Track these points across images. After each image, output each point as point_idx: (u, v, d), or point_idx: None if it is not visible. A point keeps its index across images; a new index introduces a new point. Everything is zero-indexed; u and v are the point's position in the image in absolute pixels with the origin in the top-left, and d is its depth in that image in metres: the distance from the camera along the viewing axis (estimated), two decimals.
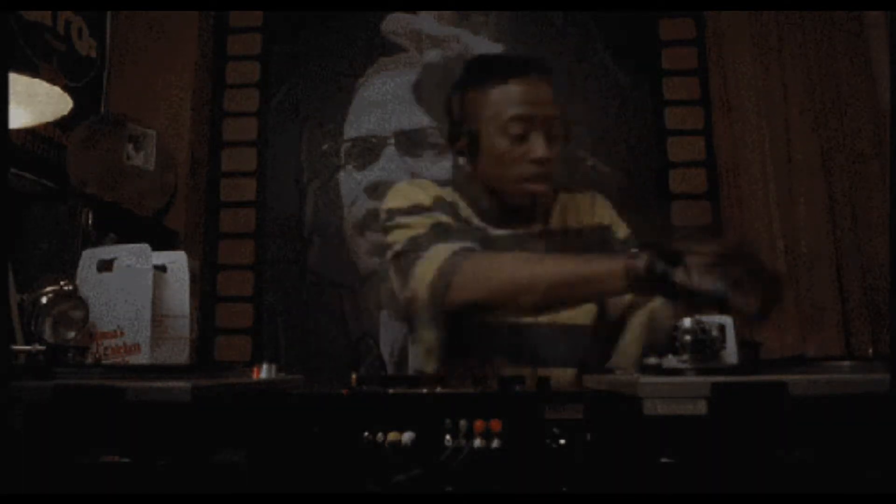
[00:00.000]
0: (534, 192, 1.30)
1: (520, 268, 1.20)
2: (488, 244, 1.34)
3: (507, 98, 1.30)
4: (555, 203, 1.41)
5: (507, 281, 1.19)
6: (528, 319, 1.30)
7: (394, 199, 1.39)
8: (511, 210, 1.36)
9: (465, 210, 1.37)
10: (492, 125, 1.30)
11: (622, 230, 1.44)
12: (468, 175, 1.39)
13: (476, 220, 1.37)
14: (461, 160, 1.39)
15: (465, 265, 1.20)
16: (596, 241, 1.40)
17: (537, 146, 1.27)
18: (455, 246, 1.23)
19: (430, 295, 1.22)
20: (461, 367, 1.30)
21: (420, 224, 1.30)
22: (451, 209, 1.35)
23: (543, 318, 1.29)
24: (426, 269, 1.23)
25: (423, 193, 1.37)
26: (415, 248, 1.27)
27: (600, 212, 1.44)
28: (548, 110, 1.30)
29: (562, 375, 1.25)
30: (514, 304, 1.21)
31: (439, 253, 1.23)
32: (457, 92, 1.38)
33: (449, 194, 1.38)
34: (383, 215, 1.38)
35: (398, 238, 1.31)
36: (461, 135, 1.33)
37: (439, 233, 1.27)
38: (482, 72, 1.38)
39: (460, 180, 1.36)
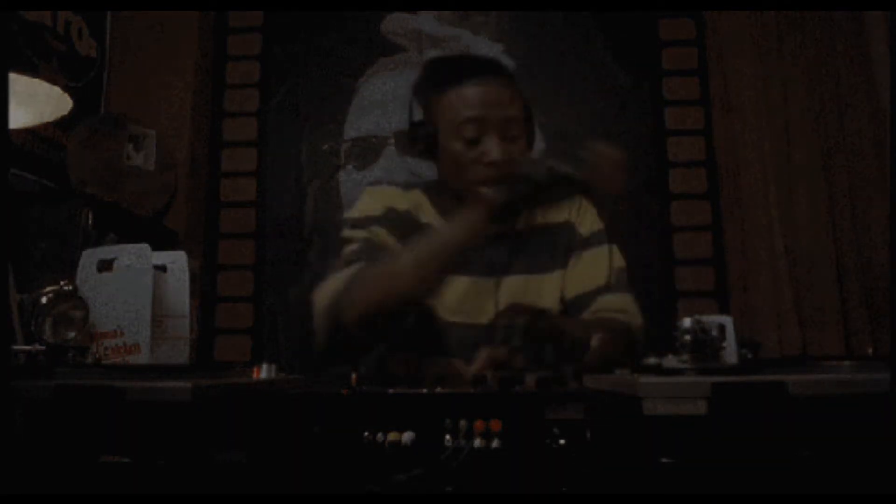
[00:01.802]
0: (490, 198, 1.28)
1: (398, 261, 1.22)
2: None
3: (460, 100, 1.28)
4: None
5: (388, 280, 1.19)
6: (476, 321, 1.30)
7: (353, 209, 1.40)
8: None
9: (430, 213, 1.36)
10: (447, 128, 1.28)
11: (588, 225, 1.38)
12: (435, 177, 1.38)
13: (440, 222, 1.35)
14: (420, 163, 1.37)
15: (357, 283, 1.21)
16: (560, 238, 1.37)
17: (491, 149, 1.25)
18: (354, 268, 1.24)
19: (327, 319, 1.24)
20: (399, 367, 1.29)
21: (357, 238, 1.31)
22: (404, 216, 1.34)
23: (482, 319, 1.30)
24: (324, 290, 1.25)
25: (377, 202, 1.36)
26: (344, 265, 1.28)
27: (567, 206, 1.40)
28: (505, 112, 1.28)
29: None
30: (406, 297, 1.20)
31: (340, 274, 1.24)
32: (416, 92, 1.36)
33: (414, 197, 1.36)
34: (343, 223, 1.38)
35: (343, 252, 1.32)
36: (419, 137, 1.31)
37: (364, 250, 1.27)
38: (438, 73, 1.36)
39: (430, 183, 1.34)
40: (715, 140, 2.45)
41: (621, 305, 1.32)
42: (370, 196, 1.42)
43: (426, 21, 2.57)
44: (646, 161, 2.46)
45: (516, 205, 1.16)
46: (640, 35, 2.54)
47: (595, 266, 1.34)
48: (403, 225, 1.32)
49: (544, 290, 1.33)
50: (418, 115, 1.35)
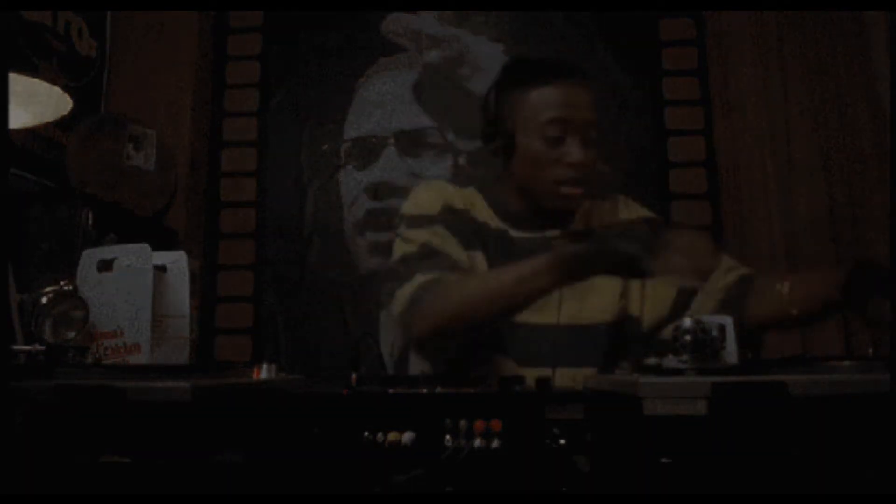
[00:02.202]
0: (566, 195, 1.31)
1: (469, 288, 1.24)
2: (507, 246, 1.34)
3: (545, 101, 1.30)
4: (578, 207, 1.41)
5: (456, 306, 1.22)
6: (541, 321, 1.30)
7: (408, 205, 1.40)
8: (538, 213, 1.35)
9: (485, 211, 1.37)
10: (528, 127, 1.30)
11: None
12: (498, 175, 1.39)
13: (496, 222, 1.36)
14: (497, 161, 1.39)
15: (426, 298, 1.23)
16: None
17: (574, 150, 1.28)
18: (422, 278, 1.25)
19: (401, 324, 1.26)
20: (465, 370, 1.30)
21: (416, 240, 1.31)
22: (461, 215, 1.35)
23: (563, 320, 1.29)
24: (400, 299, 1.27)
25: (434, 201, 1.37)
26: (404, 266, 1.29)
27: (627, 210, 1.43)
28: (585, 115, 1.30)
29: (577, 376, 1.25)
30: (474, 324, 1.22)
31: (413, 283, 1.26)
32: (494, 92, 1.38)
33: (469, 196, 1.37)
34: (398, 219, 1.39)
35: (397, 251, 1.33)
36: (497, 135, 1.33)
37: (424, 255, 1.29)
38: (521, 73, 1.37)
39: (487, 180, 1.35)
40: (715, 140, 2.44)
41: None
42: (427, 191, 1.43)
43: (426, 21, 2.57)
44: (646, 161, 2.46)
45: (591, 263, 1.15)
46: (640, 35, 2.54)
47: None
48: (461, 223, 1.33)
49: (606, 291, 1.34)
50: (494, 114, 1.36)
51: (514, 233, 1.37)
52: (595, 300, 1.33)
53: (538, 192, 1.33)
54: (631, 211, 1.46)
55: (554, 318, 1.29)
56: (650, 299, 1.36)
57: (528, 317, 1.28)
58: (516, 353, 1.30)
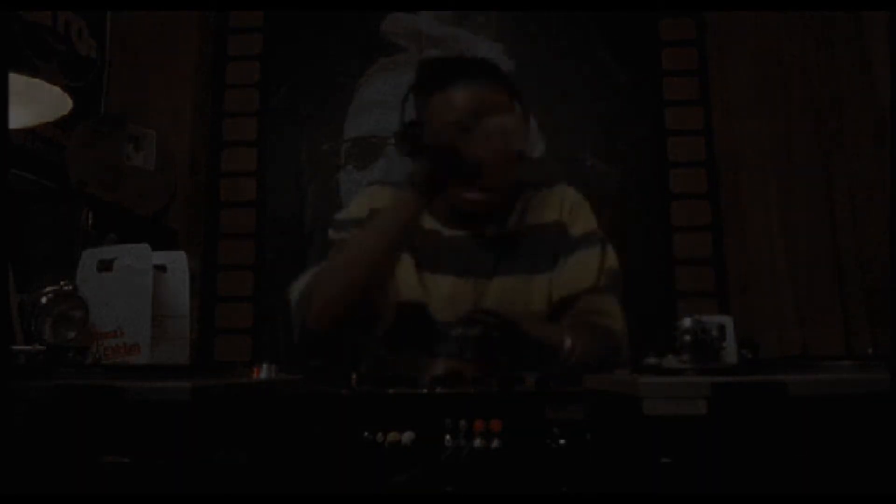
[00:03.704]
0: (469, 199, 1.28)
1: (339, 261, 1.25)
2: (440, 245, 1.33)
3: (450, 102, 1.27)
4: (517, 201, 1.37)
5: (336, 281, 1.23)
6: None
7: (344, 209, 1.41)
8: (465, 211, 1.33)
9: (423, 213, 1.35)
10: (434, 129, 1.28)
11: (580, 225, 1.35)
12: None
13: (430, 222, 1.35)
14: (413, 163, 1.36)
15: (316, 284, 1.25)
16: (550, 239, 1.35)
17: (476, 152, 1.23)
18: (313, 269, 1.27)
19: (296, 320, 1.26)
20: (401, 368, 1.30)
21: (337, 241, 1.33)
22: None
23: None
24: (293, 291, 1.30)
25: (364, 204, 1.37)
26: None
27: (559, 206, 1.37)
28: (496, 114, 1.26)
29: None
30: (358, 286, 1.21)
31: (301, 278, 1.28)
32: (407, 94, 1.35)
33: (404, 196, 1.35)
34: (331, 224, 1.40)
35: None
36: (408, 137, 1.30)
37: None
38: (430, 75, 1.35)
39: (420, 182, 1.32)
40: (715, 140, 2.44)
41: (602, 307, 1.30)
42: (361, 197, 1.42)
43: (426, 21, 2.57)
44: (646, 161, 2.46)
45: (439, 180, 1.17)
46: (640, 35, 2.54)
47: (584, 268, 1.32)
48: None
49: (532, 291, 1.32)
50: (410, 115, 1.34)
51: (446, 232, 1.36)
52: (520, 299, 1.32)
53: (448, 195, 1.29)
54: (563, 205, 1.39)
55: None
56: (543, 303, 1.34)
57: (453, 317, 1.26)
58: (448, 352, 1.28)
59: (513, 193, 1.37)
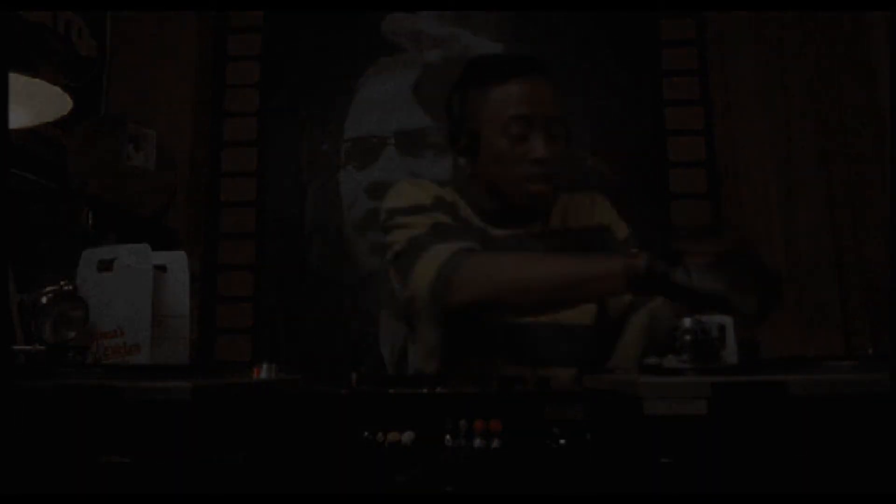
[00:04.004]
0: (534, 192, 1.30)
1: (521, 267, 1.19)
2: (488, 244, 1.33)
3: (506, 98, 1.29)
4: (555, 204, 1.40)
5: (507, 280, 1.18)
6: (528, 319, 1.29)
7: (394, 199, 1.38)
8: (511, 210, 1.35)
9: (465, 210, 1.37)
10: (492, 125, 1.29)
11: (622, 231, 1.42)
12: (469, 175, 1.39)
13: (476, 220, 1.36)
14: (461, 160, 1.38)
15: (466, 265, 1.19)
16: (596, 241, 1.38)
17: (537, 146, 1.26)
18: (455, 246, 1.22)
19: (430, 294, 1.20)
20: (462, 367, 1.30)
21: (420, 223, 1.29)
22: (451, 209, 1.34)
23: (544, 318, 1.29)
24: (426, 268, 1.22)
25: (423, 193, 1.36)
26: (415, 247, 1.26)
27: (600, 212, 1.42)
28: (548, 110, 1.29)
29: (562, 375, 1.24)
30: (516, 304, 1.21)
31: (440, 252, 1.21)
32: (457, 91, 1.37)
33: (449, 194, 1.37)
34: (383, 215, 1.37)
35: (398, 238, 1.30)
36: (461, 135, 1.32)
37: (439, 232, 1.26)
38: (482, 71, 1.37)
39: (461, 180, 1.34)
40: (715, 140, 2.44)
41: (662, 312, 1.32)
42: (414, 187, 1.42)
43: (426, 21, 2.57)
44: (646, 161, 2.46)
45: (664, 273, 1.03)
46: (640, 35, 2.54)
47: None
48: (453, 215, 1.32)
49: None
50: (458, 113, 1.35)
51: (492, 231, 1.37)
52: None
53: (504, 191, 1.31)
54: (603, 213, 1.44)
55: (547, 317, 1.29)
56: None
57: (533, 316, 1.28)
58: (516, 353, 1.30)
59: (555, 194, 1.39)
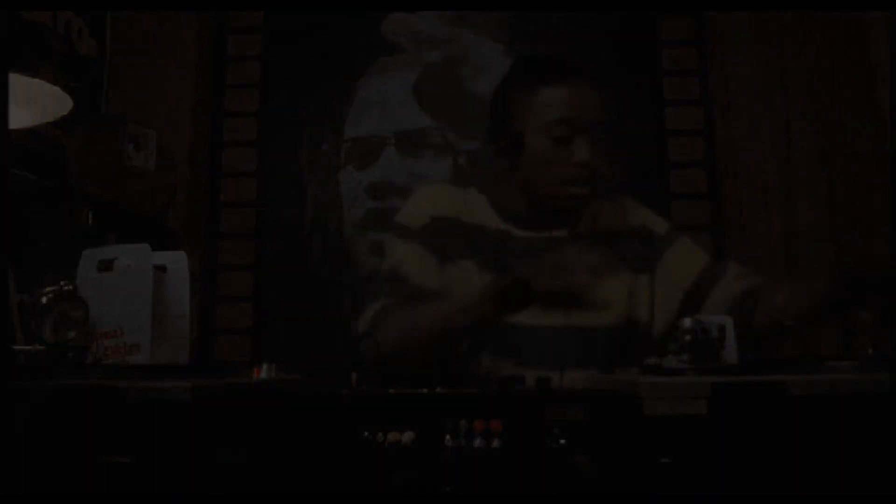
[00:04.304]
0: (574, 195, 1.31)
1: (416, 319, 1.25)
2: (509, 246, 1.34)
3: (554, 100, 1.30)
4: (584, 208, 1.40)
5: (408, 333, 1.24)
6: (547, 323, 1.29)
7: (402, 212, 1.41)
8: (542, 212, 1.35)
9: (486, 212, 1.36)
10: (536, 126, 1.30)
11: (660, 226, 1.44)
12: (499, 174, 1.39)
13: (496, 222, 1.36)
14: (501, 160, 1.38)
15: (384, 322, 1.27)
16: (637, 240, 1.39)
17: (582, 150, 1.28)
18: (379, 305, 1.29)
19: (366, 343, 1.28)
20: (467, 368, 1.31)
21: (395, 255, 1.36)
22: (452, 224, 1.34)
23: (558, 321, 1.29)
24: (365, 317, 1.31)
25: (422, 210, 1.37)
26: (373, 284, 1.32)
27: (633, 213, 1.45)
28: (593, 115, 1.31)
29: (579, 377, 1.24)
30: (426, 350, 1.24)
31: (373, 307, 1.30)
32: (502, 90, 1.38)
33: (468, 198, 1.37)
34: (395, 225, 1.40)
35: (385, 263, 1.35)
36: (503, 134, 1.33)
37: (392, 279, 1.32)
38: (529, 72, 1.37)
39: (488, 180, 1.35)
40: (715, 140, 2.44)
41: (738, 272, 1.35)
42: (418, 201, 1.43)
43: (426, 21, 2.57)
44: (646, 161, 2.46)
45: (517, 295, 1.15)
46: (640, 35, 2.53)
47: (689, 253, 1.40)
48: (448, 234, 1.33)
49: (613, 293, 1.34)
50: (502, 112, 1.36)
51: (517, 232, 1.37)
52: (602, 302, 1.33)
53: (544, 192, 1.33)
54: (636, 214, 1.46)
55: (560, 319, 1.29)
56: (659, 302, 1.36)
57: (532, 318, 1.27)
58: (519, 355, 1.30)
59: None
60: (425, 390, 0.91)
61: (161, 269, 1.17)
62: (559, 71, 1.35)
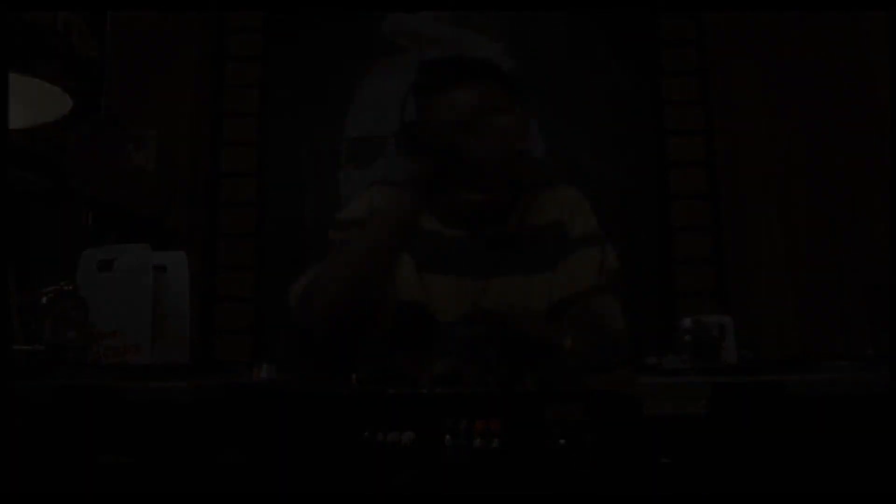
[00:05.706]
0: (471, 201, 1.28)
1: (334, 266, 1.25)
2: (440, 245, 1.33)
3: (449, 103, 1.28)
4: (518, 201, 1.37)
5: (332, 285, 1.23)
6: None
7: (346, 207, 1.41)
8: (465, 212, 1.33)
9: (425, 214, 1.34)
10: (434, 130, 1.28)
11: (580, 226, 1.35)
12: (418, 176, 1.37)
13: (431, 222, 1.35)
14: (408, 162, 1.35)
15: (311, 286, 1.26)
16: (550, 240, 1.33)
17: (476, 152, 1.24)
18: (311, 272, 1.28)
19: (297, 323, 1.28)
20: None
21: (335, 241, 1.34)
22: (396, 220, 1.34)
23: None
24: (292, 295, 1.31)
25: (365, 204, 1.37)
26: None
27: (560, 207, 1.36)
28: (497, 115, 1.27)
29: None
30: (358, 286, 1.22)
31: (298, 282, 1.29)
32: (408, 94, 1.36)
33: (409, 198, 1.34)
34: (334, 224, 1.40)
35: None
36: (407, 137, 1.30)
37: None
38: (431, 75, 1.35)
39: (422, 182, 1.31)
40: (715, 140, 2.45)
41: (602, 307, 1.28)
42: (361, 196, 1.42)
43: (426, 21, 2.57)
44: (646, 161, 2.46)
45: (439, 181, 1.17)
46: (640, 35, 2.54)
47: (584, 268, 1.31)
48: (382, 227, 1.31)
49: (532, 291, 1.32)
50: (410, 115, 1.34)
51: (446, 232, 1.36)
52: (520, 300, 1.32)
53: (450, 196, 1.29)
54: (563, 206, 1.39)
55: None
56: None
57: (454, 318, 1.26)
58: (451, 353, 1.29)
59: (514, 194, 1.37)
60: (425, 390, 0.91)
61: (161, 269, 1.17)
62: (459, 72, 1.33)
